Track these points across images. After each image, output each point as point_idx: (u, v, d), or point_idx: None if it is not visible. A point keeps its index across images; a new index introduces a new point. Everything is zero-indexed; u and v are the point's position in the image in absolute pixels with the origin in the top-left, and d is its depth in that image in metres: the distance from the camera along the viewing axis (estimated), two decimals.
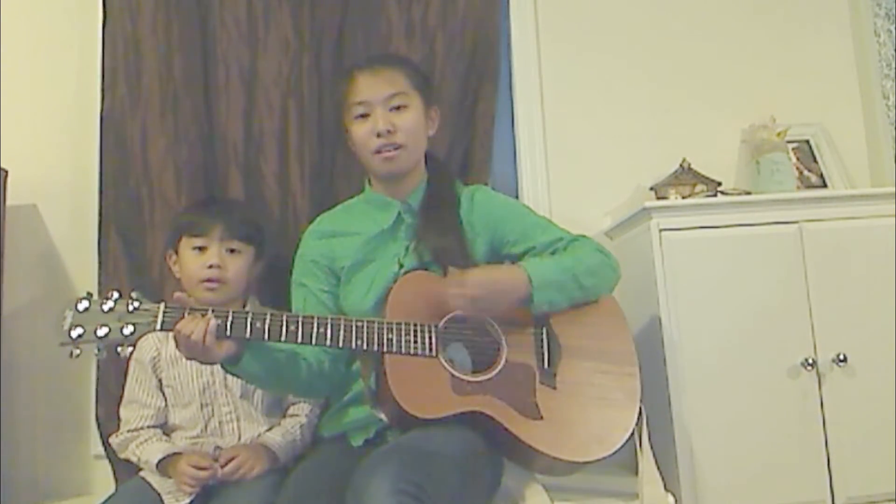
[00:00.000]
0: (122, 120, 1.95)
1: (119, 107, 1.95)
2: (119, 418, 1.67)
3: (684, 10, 2.30)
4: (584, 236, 1.58)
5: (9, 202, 1.90)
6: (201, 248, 1.65)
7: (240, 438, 1.60)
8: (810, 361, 1.77)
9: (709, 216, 1.85)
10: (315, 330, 1.34)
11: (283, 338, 1.32)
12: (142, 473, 1.61)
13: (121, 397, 1.69)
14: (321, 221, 1.68)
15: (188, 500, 1.50)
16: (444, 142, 1.98)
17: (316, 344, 1.35)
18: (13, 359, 1.92)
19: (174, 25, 1.99)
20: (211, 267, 1.63)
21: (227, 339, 1.30)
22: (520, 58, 2.24)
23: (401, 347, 1.36)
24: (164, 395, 1.66)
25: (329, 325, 1.34)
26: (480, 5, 2.09)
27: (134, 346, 1.27)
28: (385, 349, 1.36)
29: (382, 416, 1.40)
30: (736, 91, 2.26)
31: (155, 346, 1.66)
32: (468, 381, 1.38)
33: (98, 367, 1.87)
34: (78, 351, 1.24)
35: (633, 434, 1.44)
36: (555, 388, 1.43)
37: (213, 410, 1.62)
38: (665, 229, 1.82)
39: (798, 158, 2.21)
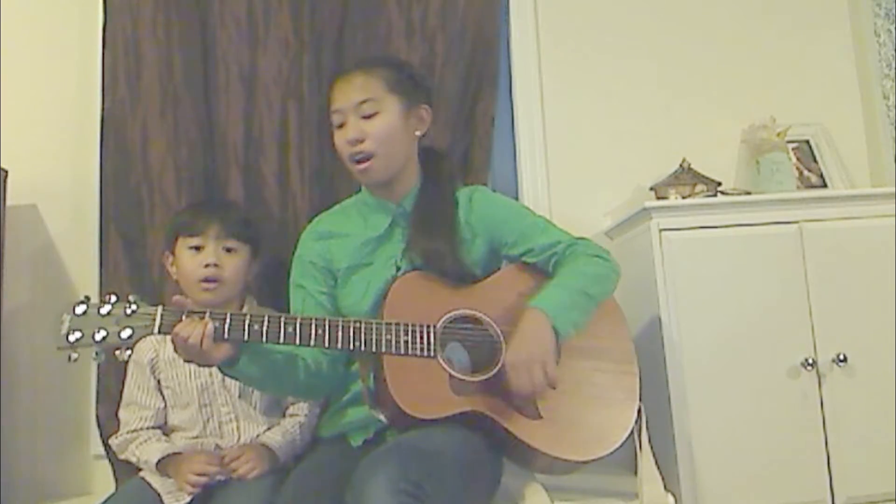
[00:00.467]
0: (122, 120, 1.95)
1: (119, 107, 1.95)
2: (119, 419, 1.67)
3: (684, 10, 2.30)
4: (582, 238, 1.56)
5: (9, 202, 1.90)
6: (198, 248, 1.65)
7: (239, 438, 1.61)
8: (810, 361, 1.77)
9: (709, 216, 1.85)
10: (313, 331, 1.33)
11: (281, 340, 1.32)
12: (142, 473, 1.61)
13: (120, 398, 1.69)
14: (319, 222, 1.67)
15: (188, 500, 1.50)
16: (444, 142, 1.98)
17: (314, 346, 1.34)
18: (13, 359, 1.92)
19: (174, 25, 1.99)
20: (208, 266, 1.63)
21: (225, 341, 1.30)
22: (520, 58, 2.24)
23: (399, 348, 1.36)
24: (162, 396, 1.66)
25: (327, 327, 1.34)
26: (480, 5, 2.09)
27: (132, 349, 1.26)
28: (384, 350, 1.36)
29: (381, 416, 1.40)
30: (736, 91, 2.26)
31: (153, 348, 1.66)
32: (467, 381, 1.38)
33: (98, 367, 1.87)
34: (76, 355, 1.23)
35: (632, 433, 1.44)
36: (554, 387, 1.43)
37: (211, 411, 1.62)
38: (665, 229, 1.82)
39: (798, 158, 2.21)
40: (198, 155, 1.96)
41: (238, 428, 1.62)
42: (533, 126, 2.21)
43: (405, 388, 1.34)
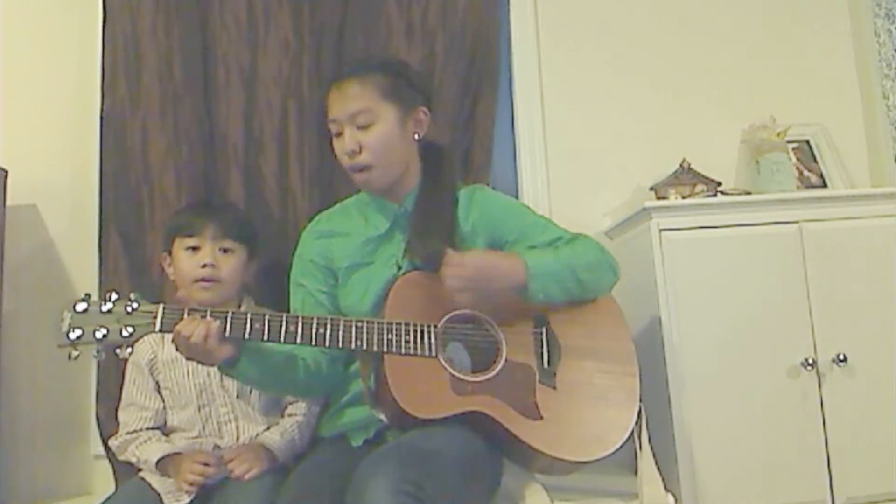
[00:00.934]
0: (122, 120, 1.95)
1: (119, 107, 1.96)
2: (118, 420, 1.67)
3: (684, 10, 2.30)
4: (584, 235, 1.57)
5: (9, 202, 1.90)
6: (194, 248, 1.65)
7: (238, 438, 1.60)
8: (810, 361, 1.77)
9: (709, 216, 1.85)
10: (314, 330, 1.33)
11: (282, 338, 1.32)
12: (141, 473, 1.61)
13: (120, 398, 1.69)
14: (319, 221, 1.67)
15: (188, 500, 1.50)
16: (444, 142, 1.97)
17: (315, 344, 1.35)
18: (13, 359, 1.92)
19: (174, 25, 1.99)
20: (205, 266, 1.63)
21: (226, 340, 1.30)
22: (520, 58, 2.24)
23: (400, 348, 1.36)
24: (161, 397, 1.66)
25: (328, 326, 1.34)
26: (480, 5, 2.09)
27: (133, 347, 1.26)
28: (385, 349, 1.36)
29: (382, 416, 1.40)
30: (736, 91, 2.26)
31: (151, 349, 1.66)
32: (468, 382, 1.38)
33: (98, 367, 1.88)
34: (77, 352, 1.23)
35: (632, 433, 1.44)
36: (554, 387, 1.43)
37: (210, 411, 1.62)
38: (665, 229, 1.82)
39: (798, 158, 2.21)
40: (198, 155, 1.96)
41: (237, 428, 1.62)
42: (533, 126, 2.21)
43: (406, 387, 1.34)
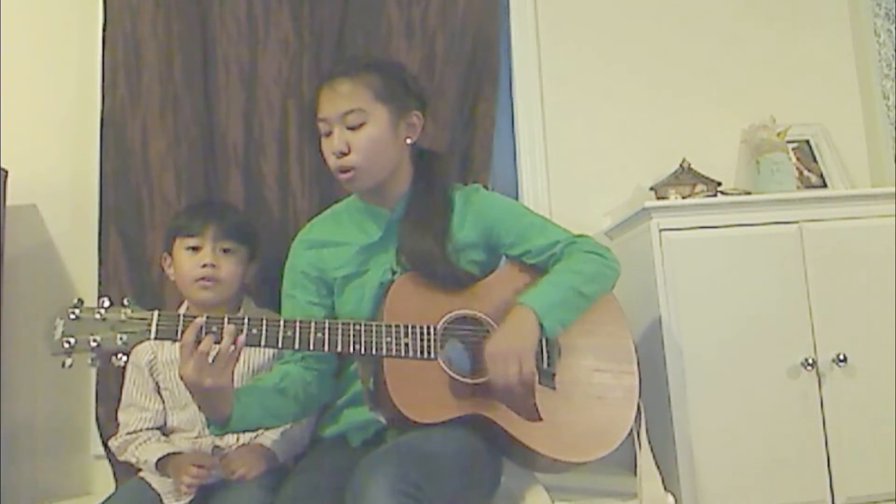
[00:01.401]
0: (122, 120, 1.95)
1: (119, 107, 1.95)
2: (118, 421, 1.67)
3: (684, 10, 2.30)
4: (581, 236, 1.55)
5: (9, 202, 1.90)
6: (195, 249, 1.65)
7: (238, 438, 1.60)
8: (810, 361, 1.77)
9: (709, 216, 1.85)
10: (312, 335, 1.32)
11: (280, 344, 1.31)
12: (141, 473, 1.61)
13: (120, 398, 1.69)
14: (310, 230, 1.63)
15: (187, 500, 1.50)
16: (444, 142, 1.98)
17: (314, 349, 1.34)
18: (13, 359, 1.92)
19: (174, 25, 1.99)
20: (205, 266, 1.63)
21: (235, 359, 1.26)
22: (520, 58, 2.24)
23: (400, 351, 1.35)
24: (161, 397, 1.66)
25: (327, 330, 1.33)
26: (480, 5, 2.09)
27: (128, 354, 1.23)
28: (384, 353, 1.35)
29: (381, 418, 1.40)
30: (736, 91, 2.26)
31: (151, 350, 1.66)
32: (467, 384, 1.38)
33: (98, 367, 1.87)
34: (70, 360, 1.19)
35: (631, 433, 1.44)
36: (554, 388, 1.43)
37: None
38: (665, 229, 1.82)
39: (798, 158, 2.21)
40: (198, 155, 1.96)
41: None
42: (533, 126, 2.21)
43: (405, 391, 1.34)
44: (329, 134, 1.49)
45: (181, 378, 1.25)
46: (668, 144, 2.17)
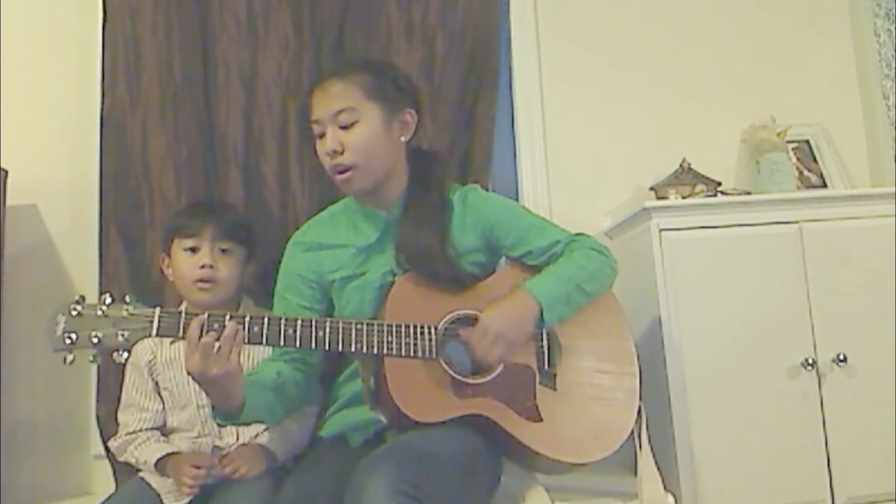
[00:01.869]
0: (122, 120, 1.95)
1: (119, 107, 1.95)
2: (118, 421, 1.67)
3: (684, 9, 2.30)
4: (580, 234, 1.55)
5: (9, 202, 1.90)
6: (193, 249, 1.65)
7: (238, 438, 1.60)
8: (810, 361, 1.77)
9: (709, 216, 1.85)
10: (314, 333, 1.32)
11: (281, 342, 1.31)
12: (141, 474, 1.61)
13: (120, 398, 1.69)
14: (307, 232, 1.63)
15: (187, 500, 1.50)
16: (444, 142, 1.98)
17: (315, 348, 1.34)
18: (13, 359, 1.92)
19: (174, 25, 1.99)
20: (203, 267, 1.62)
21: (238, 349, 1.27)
22: (520, 58, 2.24)
23: (401, 350, 1.36)
24: (161, 397, 1.66)
25: (328, 329, 1.33)
26: (480, 5, 2.09)
27: (129, 351, 1.24)
28: (385, 352, 1.35)
29: (382, 417, 1.40)
30: (736, 91, 2.26)
31: (150, 350, 1.66)
32: (468, 384, 1.38)
33: (98, 367, 1.87)
34: (71, 357, 1.19)
35: (632, 433, 1.44)
36: (555, 389, 1.43)
37: (210, 411, 1.62)
38: (665, 229, 1.82)
39: (798, 158, 2.21)
40: (198, 155, 1.96)
41: (236, 428, 1.61)
42: (533, 126, 2.21)
43: (407, 390, 1.34)
44: (323, 135, 1.49)
45: (188, 372, 1.25)
46: (668, 144, 2.17)
